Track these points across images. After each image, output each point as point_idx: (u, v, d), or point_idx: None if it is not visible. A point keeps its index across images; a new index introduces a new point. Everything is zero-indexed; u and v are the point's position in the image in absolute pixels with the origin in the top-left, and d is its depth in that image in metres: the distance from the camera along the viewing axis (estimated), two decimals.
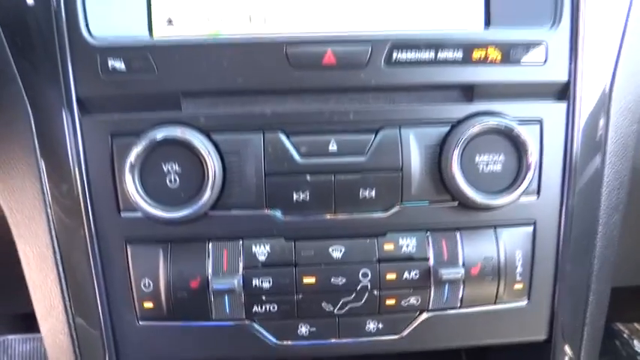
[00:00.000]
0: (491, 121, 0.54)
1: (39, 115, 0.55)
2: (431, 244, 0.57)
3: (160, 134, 0.53)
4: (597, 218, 0.60)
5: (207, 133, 0.55)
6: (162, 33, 0.57)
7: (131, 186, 0.53)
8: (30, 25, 0.55)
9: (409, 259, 0.57)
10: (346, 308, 0.59)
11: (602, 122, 0.58)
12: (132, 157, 0.53)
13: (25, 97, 0.55)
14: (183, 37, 0.57)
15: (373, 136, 0.56)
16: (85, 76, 0.54)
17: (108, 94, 0.54)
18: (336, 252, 0.57)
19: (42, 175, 0.55)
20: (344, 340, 0.60)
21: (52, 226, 0.56)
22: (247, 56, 0.54)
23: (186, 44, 0.55)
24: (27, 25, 0.55)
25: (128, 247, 0.56)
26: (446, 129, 0.56)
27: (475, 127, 0.54)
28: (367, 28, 0.58)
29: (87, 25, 0.55)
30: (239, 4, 0.58)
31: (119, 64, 0.54)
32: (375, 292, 0.58)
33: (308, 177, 0.56)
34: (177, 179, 0.54)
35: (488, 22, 0.59)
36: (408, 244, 0.57)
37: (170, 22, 0.59)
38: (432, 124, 0.56)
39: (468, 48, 0.55)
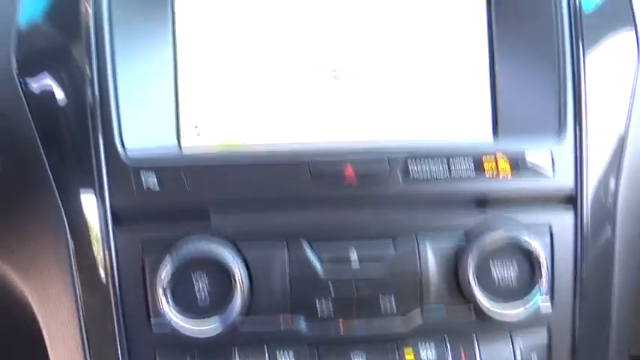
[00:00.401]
0: (504, 234, 0.57)
1: (74, 226, 0.58)
2: (450, 352, 0.59)
3: (189, 253, 0.55)
4: (609, 320, 0.62)
5: (234, 242, 0.57)
6: (190, 142, 0.62)
7: (164, 302, 0.55)
8: (66, 138, 0.59)
9: None
10: None
11: (609, 228, 0.61)
12: (162, 274, 0.55)
13: (62, 209, 0.58)
14: (210, 148, 0.62)
15: (392, 243, 0.59)
16: (119, 191, 0.57)
17: (140, 207, 0.58)
18: (358, 359, 0.59)
19: (76, 285, 0.58)
20: None
21: (84, 335, 0.58)
22: (272, 171, 0.58)
23: (215, 161, 0.58)
24: (64, 138, 0.59)
25: (157, 354, 0.58)
26: (461, 236, 0.59)
27: (489, 239, 0.57)
28: (384, 138, 0.63)
29: (121, 140, 0.58)
30: (261, 115, 0.63)
31: (152, 181, 0.57)
32: None
33: (330, 285, 0.58)
34: (206, 289, 0.56)
35: (496, 131, 0.64)
36: (427, 352, 0.59)
37: (197, 129, 0.64)
38: (447, 231, 0.59)
39: (478, 161, 0.59)
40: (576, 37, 0.62)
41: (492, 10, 0.64)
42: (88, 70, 0.58)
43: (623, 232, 0.62)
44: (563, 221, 0.60)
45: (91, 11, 0.58)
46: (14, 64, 0.59)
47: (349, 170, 0.58)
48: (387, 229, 0.59)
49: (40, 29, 0.60)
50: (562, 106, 0.61)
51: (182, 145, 0.62)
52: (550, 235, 0.60)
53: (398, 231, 0.59)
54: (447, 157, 0.59)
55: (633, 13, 0.64)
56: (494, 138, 0.64)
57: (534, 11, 0.64)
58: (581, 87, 0.61)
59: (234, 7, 0.64)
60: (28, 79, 0.59)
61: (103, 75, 0.58)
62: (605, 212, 0.61)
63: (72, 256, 0.58)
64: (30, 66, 0.59)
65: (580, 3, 0.62)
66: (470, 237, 0.58)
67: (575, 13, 0.62)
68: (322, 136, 0.63)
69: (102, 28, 0.58)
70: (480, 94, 0.64)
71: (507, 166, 0.59)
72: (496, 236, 0.57)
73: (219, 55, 0.63)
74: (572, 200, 0.60)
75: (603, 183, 0.61)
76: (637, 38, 0.64)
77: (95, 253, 0.57)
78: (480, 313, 0.58)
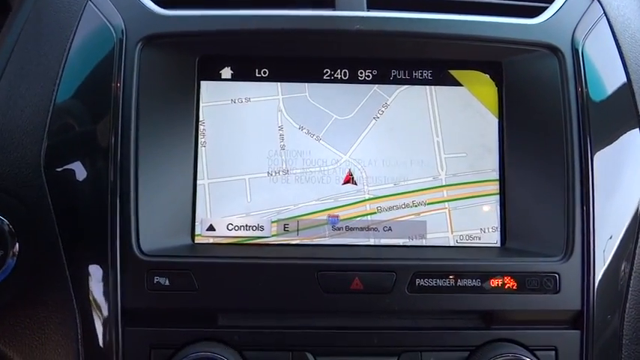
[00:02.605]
0: (510, 357, 0.58)
1: (86, 322, 0.59)
2: None
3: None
4: None
5: (240, 350, 0.58)
6: (203, 239, 0.64)
7: None
8: (85, 233, 0.61)
9: None
10: None
11: (615, 351, 0.61)
12: None
13: (75, 304, 0.60)
14: (223, 249, 0.63)
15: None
16: (132, 289, 0.59)
17: (151, 307, 0.59)
18: None
19: None
20: None
21: None
22: (281, 278, 0.59)
23: (226, 264, 0.60)
24: (82, 233, 0.61)
25: None
26: (465, 355, 0.59)
27: None
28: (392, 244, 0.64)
29: (137, 238, 0.60)
30: (273, 214, 0.64)
31: (164, 281, 0.59)
32: None
33: None
34: None
35: (504, 240, 0.65)
36: None
37: (211, 226, 0.65)
38: (451, 351, 0.59)
39: (485, 277, 0.60)
40: (585, 147, 0.63)
41: (504, 123, 0.66)
42: (111, 168, 0.60)
43: (629, 354, 0.62)
44: (569, 343, 0.60)
45: (119, 112, 0.61)
46: (42, 160, 0.61)
47: (357, 281, 0.59)
48: (392, 345, 0.59)
49: (68, 130, 0.62)
50: (570, 223, 0.62)
51: (195, 241, 0.64)
52: (556, 356, 0.59)
53: (403, 348, 0.59)
54: (455, 273, 0.60)
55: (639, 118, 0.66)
56: (501, 246, 0.65)
57: (544, 126, 0.65)
58: (589, 203, 0.62)
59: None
60: (53, 174, 0.61)
61: (125, 173, 0.61)
62: (612, 335, 0.61)
63: (81, 352, 0.59)
64: (56, 162, 0.62)
65: (589, 115, 0.64)
66: (475, 356, 0.59)
67: (584, 125, 0.63)
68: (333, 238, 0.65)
69: (128, 130, 0.61)
70: (490, 202, 0.66)
71: (514, 284, 0.60)
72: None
73: (236, 153, 0.66)
74: (579, 321, 0.60)
75: (610, 305, 0.61)
76: None
77: (104, 351, 0.58)
78: None
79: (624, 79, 0.66)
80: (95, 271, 0.60)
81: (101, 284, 0.59)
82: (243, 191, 0.65)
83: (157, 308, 0.59)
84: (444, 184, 0.66)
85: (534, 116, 0.66)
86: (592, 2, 0.69)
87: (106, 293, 0.59)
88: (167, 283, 0.59)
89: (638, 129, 0.65)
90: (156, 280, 0.59)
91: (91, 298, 0.59)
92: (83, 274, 0.60)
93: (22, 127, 0.62)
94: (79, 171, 0.61)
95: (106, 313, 0.59)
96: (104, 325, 0.59)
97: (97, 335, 0.59)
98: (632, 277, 0.62)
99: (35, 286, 0.61)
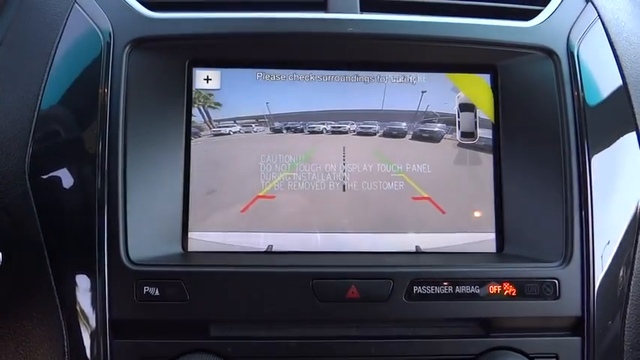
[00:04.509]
0: None
1: (73, 334, 0.57)
2: None
3: None
4: None
5: None
6: (196, 247, 0.62)
7: None
8: (71, 243, 0.59)
9: None
10: None
11: (616, 357, 0.60)
12: None
13: (61, 316, 0.57)
14: (215, 257, 0.61)
15: None
16: (120, 300, 0.57)
17: (140, 317, 0.57)
18: None
19: None
20: None
21: None
22: (275, 287, 0.58)
23: (217, 273, 0.58)
24: (68, 243, 0.59)
25: None
26: None
27: None
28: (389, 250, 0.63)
29: (126, 248, 0.58)
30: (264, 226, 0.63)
31: (153, 291, 0.57)
32: None
33: None
34: None
35: (501, 246, 0.64)
36: None
37: (203, 235, 0.63)
38: (450, 358, 0.58)
39: (484, 283, 0.59)
40: (582, 151, 0.62)
41: (500, 127, 0.65)
42: (98, 175, 0.59)
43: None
44: (570, 350, 0.59)
45: (107, 116, 0.60)
46: (27, 166, 0.59)
47: (353, 290, 0.58)
48: (389, 355, 0.58)
49: (54, 136, 0.61)
50: (569, 227, 0.61)
51: (188, 249, 0.62)
52: None
53: (401, 357, 0.58)
54: (453, 281, 0.58)
55: (636, 121, 0.65)
56: (498, 252, 0.63)
57: (541, 129, 0.64)
58: (588, 207, 0.61)
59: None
60: (38, 181, 0.59)
61: (113, 180, 0.59)
62: (613, 341, 0.60)
63: None
64: (41, 169, 0.60)
65: (585, 118, 0.63)
66: None
67: (580, 129, 0.63)
68: (327, 245, 0.63)
69: (116, 136, 0.59)
70: (485, 208, 0.65)
71: (513, 291, 0.59)
72: None
73: (228, 159, 0.64)
74: (579, 328, 0.59)
75: (611, 310, 0.60)
76: None
77: None
78: None
79: (620, 82, 0.66)
80: (82, 282, 0.58)
81: (88, 295, 0.57)
82: None
83: (147, 319, 0.57)
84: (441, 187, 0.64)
85: (530, 120, 0.65)
86: (586, 5, 0.69)
87: (93, 304, 0.57)
88: (157, 293, 0.57)
89: (635, 132, 0.65)
90: (145, 291, 0.57)
91: (77, 309, 0.57)
92: (70, 285, 0.58)
93: (6, 132, 0.60)
94: (65, 178, 0.59)
95: (93, 324, 0.57)
96: (92, 337, 0.57)
97: (84, 348, 0.57)
98: (632, 282, 0.61)
99: (19, 298, 0.58)
